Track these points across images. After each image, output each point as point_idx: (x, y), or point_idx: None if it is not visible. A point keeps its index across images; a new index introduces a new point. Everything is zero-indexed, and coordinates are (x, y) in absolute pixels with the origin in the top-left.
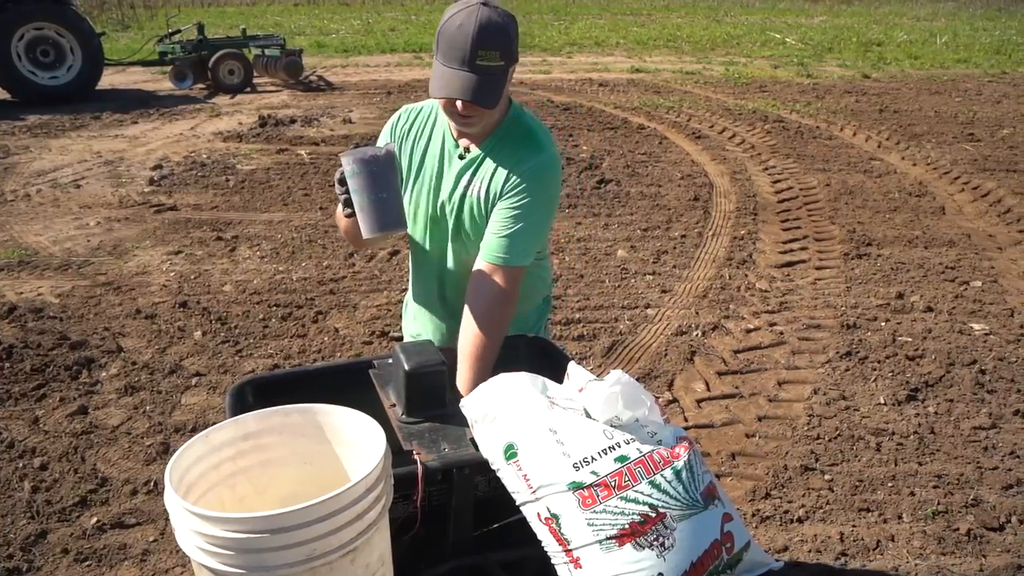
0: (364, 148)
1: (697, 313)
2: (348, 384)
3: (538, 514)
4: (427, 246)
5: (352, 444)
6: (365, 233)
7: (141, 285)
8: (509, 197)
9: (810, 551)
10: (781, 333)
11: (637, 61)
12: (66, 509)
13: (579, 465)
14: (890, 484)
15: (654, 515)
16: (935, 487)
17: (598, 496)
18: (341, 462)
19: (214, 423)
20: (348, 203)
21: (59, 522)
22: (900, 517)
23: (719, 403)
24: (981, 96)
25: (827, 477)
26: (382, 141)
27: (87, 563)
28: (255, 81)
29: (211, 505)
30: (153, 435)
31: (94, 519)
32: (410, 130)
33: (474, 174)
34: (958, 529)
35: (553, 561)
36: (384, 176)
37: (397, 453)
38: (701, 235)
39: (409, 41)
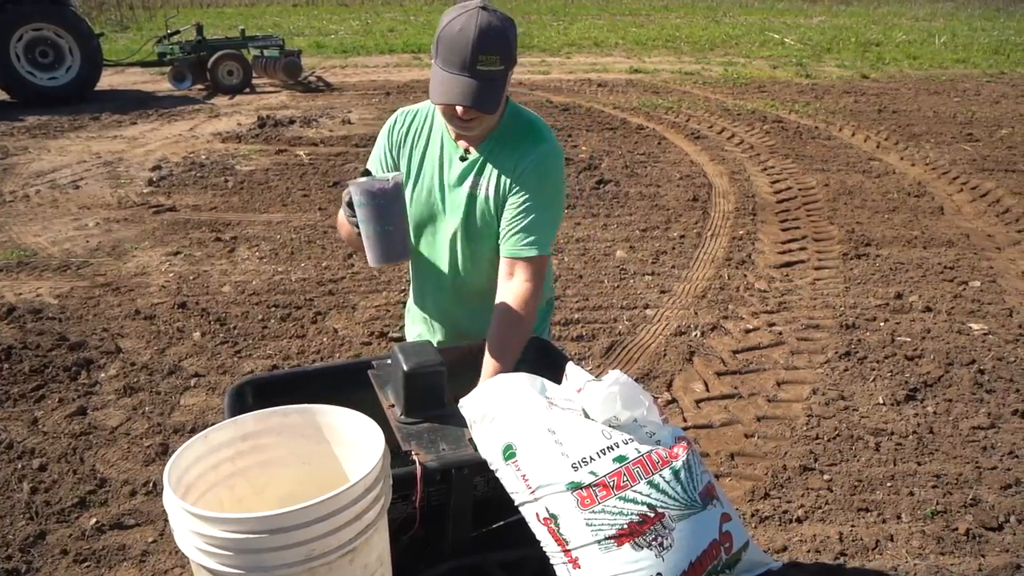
0: (372, 180)
1: (696, 313)
2: (347, 384)
3: (537, 514)
4: (432, 248)
5: (351, 444)
6: (369, 262)
7: (140, 286)
8: (519, 191)
9: (809, 551)
10: (780, 333)
11: (636, 61)
12: (65, 510)
13: (578, 465)
14: (889, 484)
15: (652, 515)
16: (934, 487)
17: (597, 496)
18: (340, 462)
19: (213, 424)
20: (356, 225)
21: (58, 523)
22: (899, 517)
23: (718, 403)
24: (980, 96)
25: (826, 477)
26: (379, 145)
27: (86, 564)
28: (254, 82)
29: (210, 506)
30: (152, 436)
31: (93, 520)
32: (407, 133)
33: (479, 174)
34: (957, 529)
35: (552, 561)
36: (390, 209)
37: (396, 454)
38: (700, 235)
39: (408, 42)
